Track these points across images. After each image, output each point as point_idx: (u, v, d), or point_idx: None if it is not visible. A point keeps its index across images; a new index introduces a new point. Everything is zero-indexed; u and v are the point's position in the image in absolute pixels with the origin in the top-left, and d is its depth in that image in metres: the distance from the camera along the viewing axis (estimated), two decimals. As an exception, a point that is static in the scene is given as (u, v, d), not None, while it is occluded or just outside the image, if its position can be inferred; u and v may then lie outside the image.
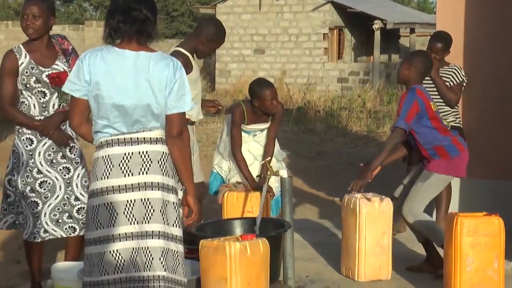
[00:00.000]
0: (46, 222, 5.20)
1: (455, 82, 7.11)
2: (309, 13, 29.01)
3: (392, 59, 31.11)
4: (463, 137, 7.15)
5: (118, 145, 4.05)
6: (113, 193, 4.02)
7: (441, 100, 7.05)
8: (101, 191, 4.04)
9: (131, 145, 4.05)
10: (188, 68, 5.40)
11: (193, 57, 5.98)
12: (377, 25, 27.98)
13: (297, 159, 12.93)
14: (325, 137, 16.16)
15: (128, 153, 4.04)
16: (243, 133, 6.39)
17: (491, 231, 5.12)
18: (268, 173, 5.58)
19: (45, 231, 5.21)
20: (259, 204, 5.49)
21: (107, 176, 4.04)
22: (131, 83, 4.04)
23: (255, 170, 6.38)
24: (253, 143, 6.48)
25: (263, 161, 6.32)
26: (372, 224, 5.79)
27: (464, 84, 7.17)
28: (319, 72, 28.78)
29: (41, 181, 5.20)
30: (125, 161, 4.04)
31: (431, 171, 5.90)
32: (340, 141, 15.13)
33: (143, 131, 4.07)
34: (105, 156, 4.06)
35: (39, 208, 5.20)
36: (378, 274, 5.86)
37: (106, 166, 4.05)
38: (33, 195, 5.20)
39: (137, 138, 4.06)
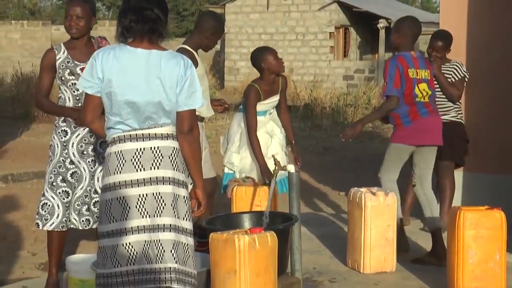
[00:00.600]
0: (70, 212, 5.28)
1: (457, 78, 7.09)
2: (316, 13, 28.98)
3: (397, 57, 31.06)
4: (464, 133, 7.14)
5: (130, 141, 4.06)
6: (126, 187, 4.03)
7: (443, 96, 7.04)
8: (113, 185, 4.05)
9: (143, 140, 4.06)
10: (193, 64, 5.42)
11: (197, 52, 6.00)
12: (382, 24, 27.94)
13: (304, 154, 12.88)
14: (331, 133, 16.15)
15: (140, 149, 4.05)
16: (259, 118, 6.40)
17: (493, 224, 5.12)
18: (276, 167, 5.58)
19: (69, 219, 5.29)
20: (267, 198, 5.48)
21: (120, 171, 4.05)
22: (143, 81, 4.05)
23: (273, 148, 6.47)
24: (269, 123, 6.56)
25: (271, 156, 6.33)
26: (377, 217, 5.79)
27: (466, 79, 7.15)
28: (325, 69, 28.76)
29: (72, 172, 5.28)
30: (137, 156, 4.04)
31: (390, 142, 6.33)
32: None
33: (155, 127, 4.08)
34: (118, 151, 4.07)
35: (69, 198, 5.27)
36: (383, 266, 5.86)
37: (119, 161, 4.06)
38: (64, 184, 5.27)
39: (149, 134, 4.07)
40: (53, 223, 5.25)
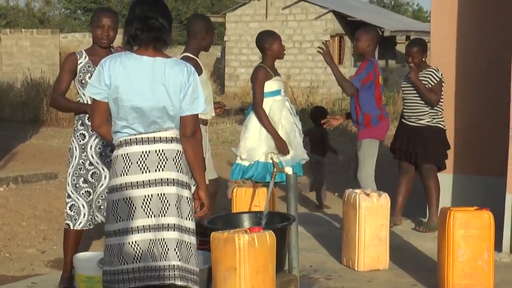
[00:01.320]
0: (93, 210, 5.32)
1: (434, 83, 7.06)
2: (312, 22, 29.00)
3: (389, 64, 31.05)
4: (441, 137, 7.15)
5: (136, 144, 4.06)
6: (132, 188, 4.03)
7: (421, 102, 7.03)
8: (120, 186, 4.06)
9: (148, 144, 4.07)
10: (198, 71, 5.41)
11: (197, 56, 5.98)
12: (375, 32, 27.88)
13: (301, 157, 12.88)
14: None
15: (146, 152, 4.06)
16: (276, 97, 6.48)
17: (482, 224, 5.12)
18: (275, 169, 5.58)
19: (94, 217, 5.33)
20: (265, 199, 5.48)
21: (126, 173, 4.05)
22: (148, 87, 4.05)
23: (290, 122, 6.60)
24: (287, 103, 6.62)
25: (270, 158, 6.34)
26: (371, 217, 5.79)
27: (443, 83, 7.13)
28: (321, 76, 28.76)
29: (92, 172, 5.32)
30: (142, 159, 4.05)
31: (359, 140, 6.94)
32: (341, 140, 15.11)
33: (159, 131, 4.08)
34: (124, 154, 4.07)
35: (91, 197, 5.32)
36: (376, 264, 5.86)
37: (125, 163, 4.06)
38: (86, 185, 5.32)
39: (154, 137, 4.08)
40: (81, 222, 5.33)
